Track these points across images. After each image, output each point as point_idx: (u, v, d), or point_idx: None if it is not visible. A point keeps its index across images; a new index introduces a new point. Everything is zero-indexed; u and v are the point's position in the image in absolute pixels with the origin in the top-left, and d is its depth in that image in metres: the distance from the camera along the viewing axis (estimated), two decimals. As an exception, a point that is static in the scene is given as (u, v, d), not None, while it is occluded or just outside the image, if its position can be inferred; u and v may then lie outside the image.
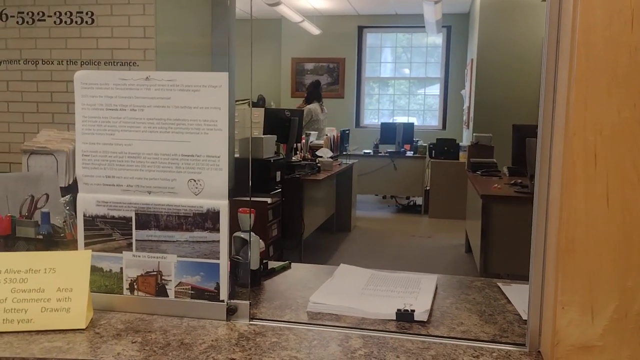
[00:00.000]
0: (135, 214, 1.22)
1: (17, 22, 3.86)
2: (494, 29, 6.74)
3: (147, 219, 1.22)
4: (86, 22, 3.78)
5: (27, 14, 3.84)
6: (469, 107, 7.57)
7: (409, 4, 7.83)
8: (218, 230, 1.20)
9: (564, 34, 1.04)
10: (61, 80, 3.94)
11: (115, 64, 3.80)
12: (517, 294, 1.36)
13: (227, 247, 1.20)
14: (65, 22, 3.78)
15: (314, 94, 6.98)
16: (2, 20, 3.83)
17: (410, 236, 6.17)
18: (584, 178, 1.01)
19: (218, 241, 1.20)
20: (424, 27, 7.95)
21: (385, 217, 7.38)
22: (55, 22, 3.81)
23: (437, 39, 9.09)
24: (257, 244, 1.47)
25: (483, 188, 4.18)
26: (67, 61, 3.90)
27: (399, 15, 8.82)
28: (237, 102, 9.70)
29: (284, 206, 4.50)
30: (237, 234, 1.43)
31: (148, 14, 3.75)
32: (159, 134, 1.20)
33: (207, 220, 1.20)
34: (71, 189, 1.66)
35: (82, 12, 3.77)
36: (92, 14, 3.75)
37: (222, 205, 1.20)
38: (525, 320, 1.19)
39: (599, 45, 0.99)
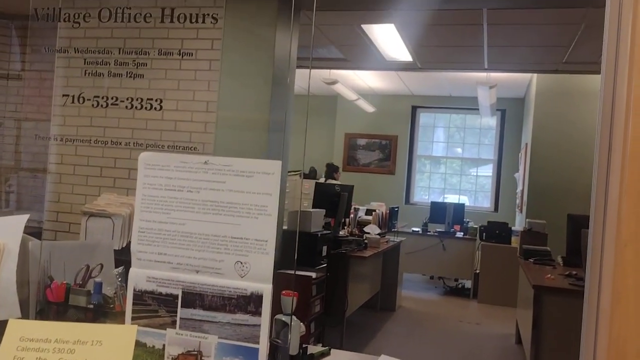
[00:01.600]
0: (182, 292, 1.25)
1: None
2: (550, 115, 6.71)
3: (193, 298, 1.25)
4: (155, 108, 4.04)
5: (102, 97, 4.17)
6: (522, 191, 7.43)
7: (463, 87, 7.95)
8: (260, 314, 1.21)
9: (616, 145, 1.04)
10: (126, 147, 4.17)
11: (177, 147, 4.02)
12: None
13: (268, 333, 1.21)
14: (136, 107, 4.06)
15: (327, 172, 7.83)
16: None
17: (458, 321, 5.94)
18: (636, 292, 0.98)
19: (259, 325, 1.21)
20: (477, 109, 8.01)
21: (432, 299, 7.17)
22: (127, 106, 4.11)
23: (491, 121, 9.11)
24: (297, 329, 1.47)
25: (535, 277, 4.03)
26: (132, 131, 4.14)
27: (452, 97, 8.95)
28: (290, 173, 9.91)
29: (328, 282, 4.46)
30: (278, 316, 1.43)
31: (212, 90, 3.98)
32: (211, 216, 1.25)
33: (250, 303, 1.22)
34: (124, 252, 1.72)
35: (152, 99, 4.05)
36: (161, 100, 4.02)
37: (266, 289, 1.22)
38: None
39: (652, 157, 0.98)
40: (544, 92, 6.83)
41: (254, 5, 3.83)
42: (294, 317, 1.44)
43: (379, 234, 5.94)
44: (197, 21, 3.97)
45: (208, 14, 3.94)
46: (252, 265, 1.22)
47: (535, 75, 6.94)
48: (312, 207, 5.22)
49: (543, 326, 3.72)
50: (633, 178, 1.00)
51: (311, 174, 9.67)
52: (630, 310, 0.98)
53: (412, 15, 4.25)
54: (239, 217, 1.24)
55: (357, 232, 5.84)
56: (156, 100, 3.99)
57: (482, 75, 6.47)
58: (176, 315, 1.25)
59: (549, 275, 4.08)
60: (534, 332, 3.72)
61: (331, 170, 7.81)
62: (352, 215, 6.12)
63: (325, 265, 4.46)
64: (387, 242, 6.01)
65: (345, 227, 5.75)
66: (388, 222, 6.85)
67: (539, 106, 6.87)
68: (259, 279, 1.22)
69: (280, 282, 1.41)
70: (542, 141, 6.74)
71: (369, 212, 6.88)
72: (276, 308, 1.45)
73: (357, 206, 6.68)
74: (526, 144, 7.45)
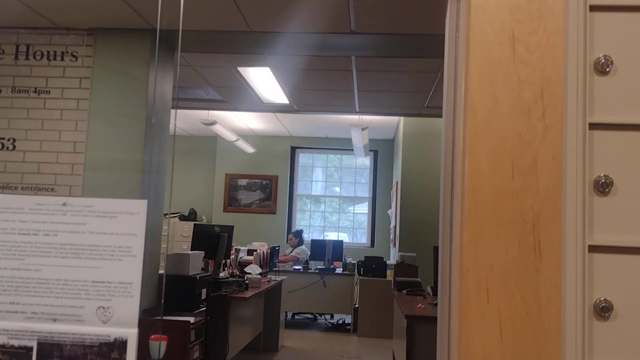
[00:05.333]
0: (38, 343, 1.17)
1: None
2: (416, 154, 7.23)
3: (50, 349, 1.17)
4: (7, 147, 3.78)
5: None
6: (395, 227, 7.84)
7: (339, 129, 8.31)
8: (124, 361, 1.16)
9: (457, 180, 1.17)
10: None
11: (40, 190, 3.76)
12: None
13: (133, 380, 1.16)
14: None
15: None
16: None
17: (339, 356, 6.03)
18: (478, 312, 1.09)
19: (124, 373, 1.16)
20: (352, 149, 8.40)
21: (314, 336, 7.22)
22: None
23: (365, 161, 9.58)
24: (167, 374, 1.42)
25: (407, 308, 4.24)
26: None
27: (329, 138, 9.31)
28: (167, 215, 9.58)
29: (208, 326, 4.34)
30: (147, 363, 1.38)
31: (80, 130, 3.79)
32: (70, 260, 1.19)
33: (113, 350, 1.16)
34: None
35: (3, 138, 3.79)
36: (14, 140, 3.77)
37: (131, 334, 1.17)
38: None
39: (486, 191, 1.11)
40: (410, 134, 7.36)
41: (126, 45, 3.75)
42: (163, 362, 1.39)
43: (260, 274, 5.91)
44: (62, 59, 3.80)
45: (75, 53, 3.79)
46: (116, 310, 1.17)
47: (402, 118, 7.47)
48: (191, 249, 5.07)
49: (416, 354, 3.90)
50: (471, 208, 1.12)
51: (191, 216, 9.45)
52: (475, 329, 1.08)
53: (286, 60, 4.41)
54: (101, 260, 1.19)
55: (238, 272, 5.76)
56: (9, 140, 3.72)
57: (354, 117, 6.82)
58: (30, 370, 1.16)
59: (420, 305, 4.32)
60: (408, 361, 3.89)
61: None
62: (232, 256, 6.04)
63: (204, 308, 4.34)
64: (268, 281, 6.00)
65: (226, 269, 5.65)
66: (269, 261, 6.85)
67: (406, 147, 7.37)
68: (123, 324, 1.17)
69: (154, 329, 1.37)
70: (410, 179, 7.22)
71: (250, 252, 6.83)
72: (145, 355, 1.40)
73: (238, 247, 6.62)
74: (397, 182, 7.92)
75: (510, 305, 1.08)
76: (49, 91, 3.82)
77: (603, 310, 1.09)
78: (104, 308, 1.18)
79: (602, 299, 1.10)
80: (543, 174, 1.09)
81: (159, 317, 3.52)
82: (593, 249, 1.10)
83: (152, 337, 1.39)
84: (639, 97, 1.12)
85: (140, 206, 1.22)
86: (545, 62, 1.09)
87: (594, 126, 1.12)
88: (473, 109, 1.13)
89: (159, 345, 1.35)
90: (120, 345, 1.16)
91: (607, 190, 1.11)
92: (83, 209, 1.21)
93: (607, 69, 1.12)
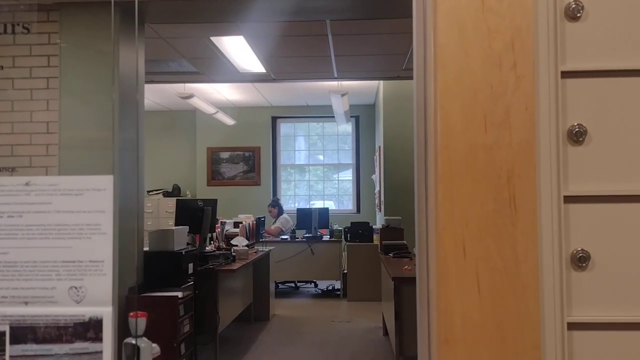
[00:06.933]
0: (10, 327, 1.14)
1: None
2: (397, 118, 7.19)
3: (23, 332, 1.14)
4: None
5: None
6: (379, 191, 7.85)
7: (319, 96, 8.22)
8: (101, 339, 1.14)
9: (430, 137, 1.14)
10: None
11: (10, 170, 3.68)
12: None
13: (111, 359, 1.14)
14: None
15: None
16: None
17: (330, 322, 6.10)
18: (456, 269, 1.08)
19: (101, 352, 1.14)
20: (334, 117, 8.33)
21: (304, 303, 7.29)
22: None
23: (347, 127, 9.53)
24: (148, 350, 1.41)
25: (394, 270, 4.27)
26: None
27: (309, 106, 9.21)
28: (150, 193, 9.47)
29: (197, 299, 4.34)
30: (127, 340, 1.36)
31: (52, 109, 3.70)
32: (38, 241, 1.16)
33: (89, 329, 1.14)
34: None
35: None
36: None
37: (106, 312, 1.15)
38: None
39: (459, 147, 1.09)
40: (390, 98, 7.31)
41: (92, 19, 3.63)
42: (144, 338, 1.38)
43: (247, 245, 5.91)
44: (28, 37, 3.67)
45: (40, 30, 3.67)
46: (89, 289, 1.14)
47: (381, 82, 7.40)
48: (175, 225, 5.03)
49: (404, 315, 3.95)
50: (445, 165, 1.09)
51: (174, 192, 9.38)
52: (453, 287, 1.08)
53: (259, 27, 4.31)
54: (69, 239, 1.16)
55: (224, 245, 5.75)
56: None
57: (333, 84, 6.74)
58: (4, 355, 1.13)
59: (407, 267, 4.35)
60: (397, 322, 3.94)
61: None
62: (218, 230, 6.02)
63: (192, 283, 4.33)
64: (256, 252, 6.00)
65: (212, 242, 5.63)
66: (256, 232, 6.84)
67: (387, 111, 7.33)
68: (97, 303, 1.14)
69: (140, 306, 1.35)
70: (392, 143, 7.20)
71: (236, 224, 6.82)
72: (127, 332, 1.38)
73: (224, 220, 6.59)
74: (379, 146, 7.90)
75: (487, 260, 1.07)
76: (17, 71, 3.70)
77: (580, 261, 1.09)
78: (76, 288, 1.15)
79: (579, 249, 1.09)
80: (516, 126, 1.07)
81: (144, 295, 3.51)
82: (569, 199, 1.09)
83: (131, 314, 1.37)
84: (611, 42, 1.09)
85: (106, 182, 1.18)
86: (514, 10, 1.06)
87: (566, 74, 1.09)
88: (443, 63, 1.10)
89: (135, 322, 1.33)
90: (95, 324, 1.14)
91: (581, 139, 1.10)
92: (47, 188, 1.17)
93: (578, 15, 1.09)
